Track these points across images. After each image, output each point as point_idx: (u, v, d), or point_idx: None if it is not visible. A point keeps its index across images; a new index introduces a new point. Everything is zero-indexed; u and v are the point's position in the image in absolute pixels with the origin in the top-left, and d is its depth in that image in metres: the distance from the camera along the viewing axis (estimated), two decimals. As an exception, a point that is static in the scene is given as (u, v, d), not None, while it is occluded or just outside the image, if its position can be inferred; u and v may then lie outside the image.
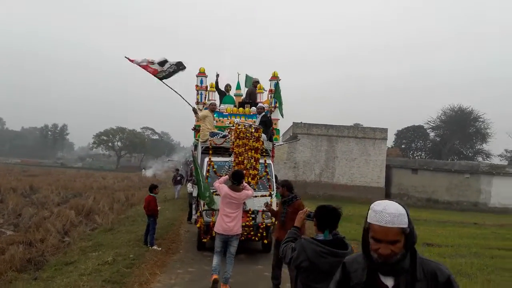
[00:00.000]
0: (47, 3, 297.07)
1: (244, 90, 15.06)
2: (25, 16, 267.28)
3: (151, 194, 10.82)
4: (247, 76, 15.23)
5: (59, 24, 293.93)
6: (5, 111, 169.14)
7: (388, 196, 35.07)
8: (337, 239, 3.46)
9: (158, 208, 11.03)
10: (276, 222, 9.33)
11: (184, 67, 10.23)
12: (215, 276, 7.14)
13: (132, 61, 10.12)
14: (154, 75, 10.06)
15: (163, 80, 10.08)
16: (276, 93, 12.71)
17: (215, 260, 7.29)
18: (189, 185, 15.85)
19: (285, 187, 7.26)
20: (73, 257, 10.04)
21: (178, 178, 23.73)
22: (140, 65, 10.09)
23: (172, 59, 10.33)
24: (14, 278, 8.88)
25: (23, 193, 25.79)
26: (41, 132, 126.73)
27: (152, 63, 10.09)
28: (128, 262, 8.59)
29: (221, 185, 7.34)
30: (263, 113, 11.49)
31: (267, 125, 11.06)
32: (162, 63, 10.12)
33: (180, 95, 10.56)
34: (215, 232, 7.34)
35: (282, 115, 12.79)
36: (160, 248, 10.27)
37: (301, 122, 35.47)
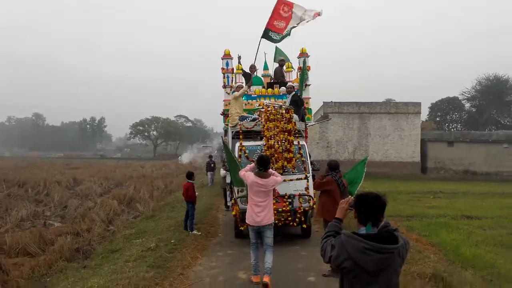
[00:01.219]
0: None
1: (272, 67, 14.17)
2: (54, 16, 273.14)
3: (189, 180, 11.20)
4: (277, 48, 14.11)
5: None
6: (45, 108, 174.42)
7: (424, 170, 34.67)
8: (384, 232, 2.87)
9: (196, 194, 11.42)
10: (314, 206, 9.48)
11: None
12: (255, 280, 6.78)
13: (279, 5, 11.10)
14: (267, 31, 11.26)
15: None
16: (302, 70, 12.20)
17: (253, 256, 6.88)
18: (221, 170, 15.33)
19: (328, 166, 7.91)
20: (118, 245, 10.54)
21: (212, 164, 24.01)
22: (276, 13, 11.18)
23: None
24: (64, 267, 9.35)
25: (67, 186, 26.81)
26: (80, 126, 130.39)
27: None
28: (170, 247, 9.01)
29: (247, 173, 6.86)
30: (293, 92, 11.09)
31: (299, 104, 10.69)
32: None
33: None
34: (247, 224, 6.91)
35: (301, 94, 11.92)
36: (199, 233, 10.68)
37: (332, 102, 35.28)
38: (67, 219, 16.12)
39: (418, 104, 35.02)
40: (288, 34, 11.86)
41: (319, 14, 11.40)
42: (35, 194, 23.38)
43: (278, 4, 11.16)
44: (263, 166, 6.74)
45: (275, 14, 11.21)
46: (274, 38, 11.52)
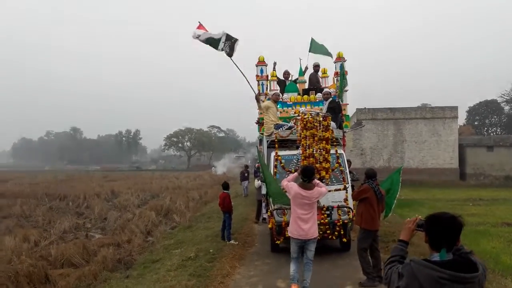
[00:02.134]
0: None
1: (307, 58, 13.39)
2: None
3: (225, 191, 11.36)
4: (312, 40, 13.01)
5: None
6: (82, 121, 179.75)
7: (463, 176, 33.87)
8: (460, 258, 2.55)
9: (232, 204, 11.56)
10: (354, 219, 8.82)
11: (235, 39, 10.33)
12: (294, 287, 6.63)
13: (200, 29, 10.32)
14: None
15: (232, 59, 10.28)
16: (340, 75, 11.63)
17: (293, 267, 6.70)
18: (256, 180, 15.04)
19: (365, 174, 7.68)
20: (158, 255, 10.81)
21: (246, 174, 23.99)
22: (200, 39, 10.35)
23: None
24: (108, 278, 9.63)
25: (106, 198, 27.59)
26: (116, 139, 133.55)
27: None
28: (209, 257, 9.17)
29: (290, 184, 6.64)
30: (331, 99, 10.58)
31: (336, 111, 10.26)
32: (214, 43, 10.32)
33: (246, 78, 10.57)
34: (290, 236, 6.68)
35: (341, 100, 11.42)
36: (237, 242, 10.78)
37: (365, 108, 35.13)
38: (107, 231, 16.61)
39: (455, 108, 34.42)
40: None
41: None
42: (75, 207, 24.17)
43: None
44: (307, 177, 6.49)
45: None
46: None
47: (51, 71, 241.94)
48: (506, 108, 62.83)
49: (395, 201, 8.48)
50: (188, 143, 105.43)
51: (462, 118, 61.89)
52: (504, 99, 61.86)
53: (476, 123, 63.90)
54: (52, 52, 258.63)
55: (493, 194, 24.31)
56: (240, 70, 10.53)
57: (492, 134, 59.11)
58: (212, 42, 10.43)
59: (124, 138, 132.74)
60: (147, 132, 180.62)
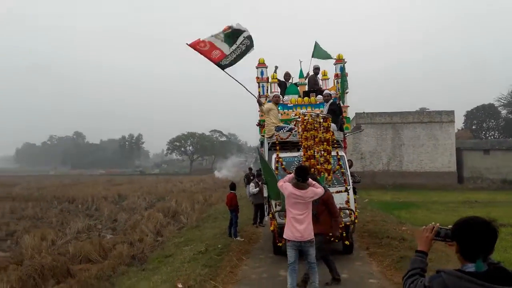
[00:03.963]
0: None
1: (310, 63, 13.23)
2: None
3: (232, 191, 12.27)
4: (316, 44, 13.03)
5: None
6: (85, 126, 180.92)
7: (461, 180, 34.56)
8: (496, 269, 2.27)
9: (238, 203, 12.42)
10: (356, 221, 8.97)
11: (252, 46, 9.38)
12: None
13: (194, 46, 9.10)
14: (217, 62, 9.22)
15: (225, 70, 9.29)
16: (341, 77, 11.62)
17: (290, 279, 6.45)
18: (251, 185, 14.45)
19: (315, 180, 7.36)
20: (170, 251, 11.66)
21: (251, 177, 24.36)
22: (201, 52, 9.18)
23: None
24: (126, 271, 10.53)
25: (113, 201, 28.56)
26: (119, 143, 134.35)
27: (218, 41, 9.22)
28: (218, 251, 10.06)
29: (285, 184, 6.48)
30: (331, 101, 10.55)
31: (337, 113, 10.26)
32: (235, 34, 9.24)
33: (244, 86, 9.78)
34: (285, 239, 6.52)
35: (342, 102, 11.47)
36: (242, 239, 11.67)
37: (364, 112, 35.91)
38: (118, 231, 17.49)
39: (451, 113, 35.16)
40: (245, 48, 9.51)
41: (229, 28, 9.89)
42: (85, 209, 25.11)
43: (196, 47, 9.18)
44: (300, 176, 6.31)
45: (205, 53, 9.82)
46: (228, 63, 9.40)
47: (55, 75, 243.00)
48: (503, 112, 63.40)
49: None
50: (191, 148, 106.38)
51: (460, 122, 62.54)
52: (502, 103, 62.45)
53: (474, 127, 64.37)
54: (58, 58, 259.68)
55: (489, 197, 25.00)
56: (239, 82, 9.78)
57: (490, 138, 59.75)
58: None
59: (127, 143, 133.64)
60: (149, 136, 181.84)
